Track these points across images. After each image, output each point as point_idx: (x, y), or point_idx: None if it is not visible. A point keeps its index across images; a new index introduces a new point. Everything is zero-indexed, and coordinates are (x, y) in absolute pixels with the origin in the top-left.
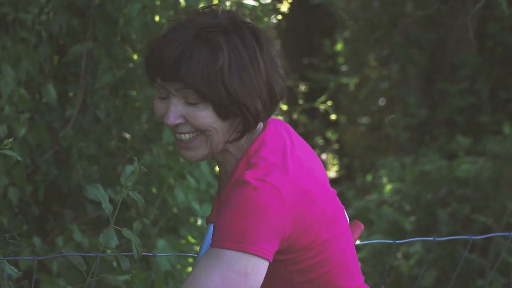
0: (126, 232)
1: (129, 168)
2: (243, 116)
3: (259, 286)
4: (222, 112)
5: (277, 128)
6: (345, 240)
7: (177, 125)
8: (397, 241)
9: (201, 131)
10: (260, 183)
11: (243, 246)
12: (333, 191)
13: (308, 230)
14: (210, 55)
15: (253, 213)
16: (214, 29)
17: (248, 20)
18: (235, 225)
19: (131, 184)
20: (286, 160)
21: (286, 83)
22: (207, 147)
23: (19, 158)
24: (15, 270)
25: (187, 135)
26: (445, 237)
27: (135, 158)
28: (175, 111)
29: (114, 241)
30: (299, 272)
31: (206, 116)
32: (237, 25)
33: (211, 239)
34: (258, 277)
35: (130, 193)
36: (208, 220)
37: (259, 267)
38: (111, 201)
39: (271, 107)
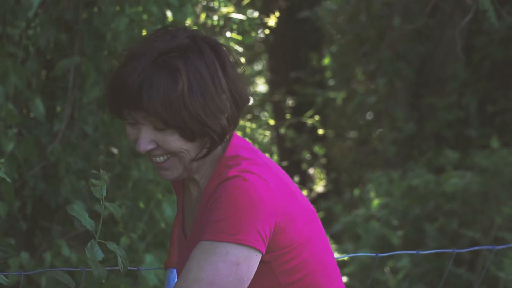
0: (111, 245)
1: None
2: (208, 135)
3: (250, 278)
4: (188, 135)
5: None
6: (323, 242)
7: (150, 150)
8: (380, 255)
9: (173, 154)
10: (248, 174)
11: (236, 237)
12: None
13: (292, 225)
14: (170, 81)
15: (245, 204)
16: (172, 53)
17: (205, 34)
18: (228, 217)
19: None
20: (265, 158)
21: (248, 88)
22: (181, 166)
23: (8, 180)
24: (4, 278)
25: (161, 157)
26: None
27: (99, 171)
28: (145, 138)
29: (100, 255)
30: (284, 274)
31: (175, 140)
32: (196, 43)
33: (203, 232)
34: (250, 269)
35: (107, 204)
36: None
37: (251, 259)
38: (99, 216)
39: (238, 117)
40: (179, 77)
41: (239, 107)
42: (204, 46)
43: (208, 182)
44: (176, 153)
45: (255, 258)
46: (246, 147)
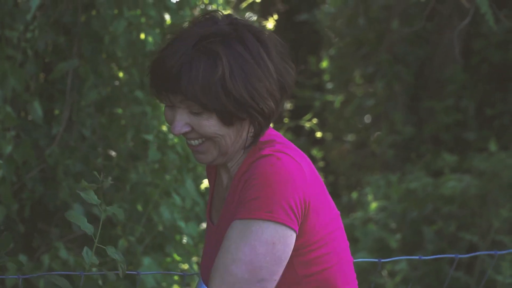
0: (110, 250)
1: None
2: (252, 118)
3: (287, 257)
4: (227, 119)
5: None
6: (344, 242)
7: (184, 133)
8: (383, 260)
9: (207, 138)
10: (282, 154)
11: (272, 215)
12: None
13: (318, 214)
14: (209, 66)
15: (279, 182)
16: (213, 38)
17: (248, 21)
18: (263, 195)
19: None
20: (298, 149)
21: (294, 77)
22: (216, 150)
23: None
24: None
25: (196, 141)
26: (431, 255)
27: (99, 175)
28: (180, 121)
29: (95, 260)
30: (302, 265)
31: (210, 125)
32: (237, 30)
33: (238, 211)
34: (286, 248)
35: (108, 208)
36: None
37: (287, 237)
38: (97, 219)
39: (282, 103)
40: (219, 61)
41: (285, 93)
42: (246, 33)
43: (240, 165)
44: (211, 138)
45: (290, 238)
46: (281, 137)
